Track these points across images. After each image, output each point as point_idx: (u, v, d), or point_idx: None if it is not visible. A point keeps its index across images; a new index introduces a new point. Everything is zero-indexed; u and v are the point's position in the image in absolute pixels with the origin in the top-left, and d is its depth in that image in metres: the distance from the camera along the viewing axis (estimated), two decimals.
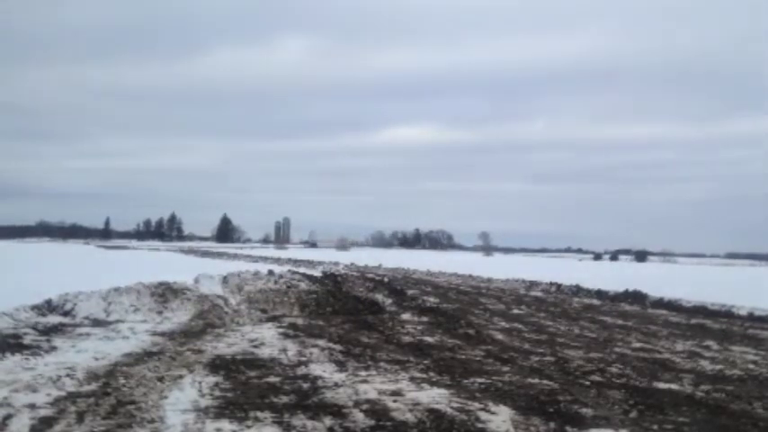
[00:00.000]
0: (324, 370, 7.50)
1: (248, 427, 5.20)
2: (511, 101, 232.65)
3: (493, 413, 5.71)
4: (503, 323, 13.04)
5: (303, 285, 17.51)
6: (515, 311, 15.74)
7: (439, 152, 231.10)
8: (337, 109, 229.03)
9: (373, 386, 6.63)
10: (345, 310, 14.28)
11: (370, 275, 28.58)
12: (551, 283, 25.94)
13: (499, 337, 10.93)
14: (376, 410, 5.71)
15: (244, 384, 6.71)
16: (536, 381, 7.25)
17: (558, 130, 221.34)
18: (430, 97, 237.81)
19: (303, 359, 8.20)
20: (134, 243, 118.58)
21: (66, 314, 12.10)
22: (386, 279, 25.55)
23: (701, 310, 17.00)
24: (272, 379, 6.98)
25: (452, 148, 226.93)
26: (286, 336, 10.31)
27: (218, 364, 7.72)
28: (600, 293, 22.00)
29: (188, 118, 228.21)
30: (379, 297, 17.54)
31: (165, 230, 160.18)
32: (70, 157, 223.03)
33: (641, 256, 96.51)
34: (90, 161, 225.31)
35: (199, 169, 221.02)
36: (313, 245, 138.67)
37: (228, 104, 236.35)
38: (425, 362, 8.23)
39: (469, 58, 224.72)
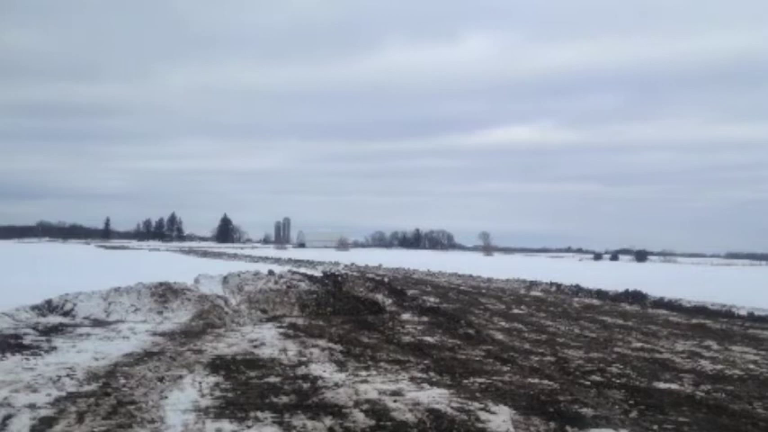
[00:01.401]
0: (324, 370, 7.50)
1: (248, 427, 5.20)
2: (643, 99, 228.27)
3: (493, 413, 5.71)
4: (503, 323, 13.04)
5: (303, 285, 17.49)
6: (515, 311, 15.75)
7: (522, 152, 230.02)
8: (467, 108, 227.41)
9: (373, 386, 6.63)
10: (346, 310, 14.27)
11: (371, 275, 28.57)
12: (551, 283, 25.95)
13: (499, 336, 10.93)
14: (376, 410, 5.71)
15: (244, 384, 6.71)
16: (536, 381, 7.25)
17: (674, 130, 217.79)
18: (565, 95, 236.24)
19: (303, 359, 8.20)
20: (134, 243, 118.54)
21: (66, 314, 12.10)
22: (386, 279, 25.54)
23: (701, 310, 17.02)
24: (273, 379, 6.98)
25: (541, 149, 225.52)
26: (286, 336, 10.31)
27: (218, 365, 7.72)
28: (600, 293, 22.01)
29: (287, 119, 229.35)
30: (380, 297, 17.53)
31: (165, 231, 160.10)
32: (140, 158, 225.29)
33: (641, 256, 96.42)
34: (154, 162, 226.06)
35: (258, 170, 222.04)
36: (301, 245, 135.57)
37: (347, 105, 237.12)
38: (425, 362, 8.23)
39: (617, 57, 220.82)
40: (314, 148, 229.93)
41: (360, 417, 5.53)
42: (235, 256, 56.10)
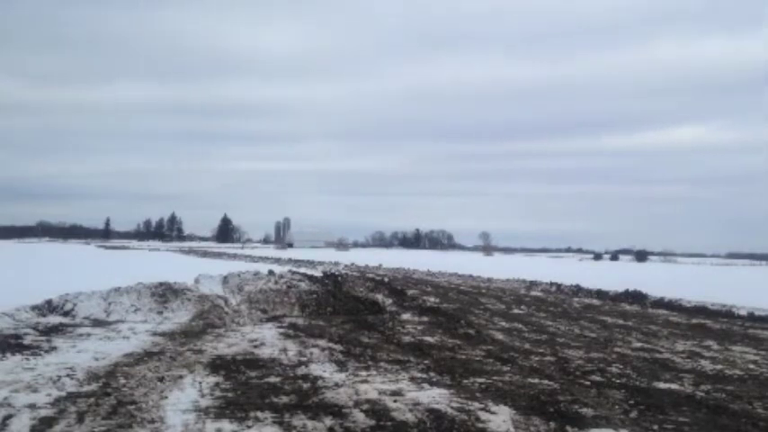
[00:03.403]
0: (324, 370, 7.50)
1: (248, 427, 5.20)
2: None
3: (493, 413, 5.71)
4: (503, 323, 13.04)
5: (303, 285, 17.49)
6: (515, 311, 15.74)
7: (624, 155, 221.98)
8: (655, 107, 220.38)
9: (373, 386, 6.63)
10: (346, 310, 14.28)
11: (371, 275, 28.56)
12: (551, 283, 25.96)
13: (499, 336, 10.93)
14: (376, 410, 5.71)
15: (244, 384, 6.71)
16: (536, 381, 7.25)
17: None
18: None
19: (303, 359, 8.20)
20: (134, 243, 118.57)
21: (66, 314, 12.11)
22: (386, 279, 25.53)
23: (701, 310, 17.01)
24: (273, 379, 6.98)
25: (642, 150, 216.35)
26: (286, 336, 10.31)
27: (218, 365, 7.72)
28: (600, 293, 22.00)
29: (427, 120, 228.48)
30: (380, 297, 17.53)
31: (165, 231, 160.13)
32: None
33: (641, 256, 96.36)
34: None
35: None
36: (290, 245, 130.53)
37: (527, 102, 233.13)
38: (426, 362, 8.23)
39: None
40: (430, 149, 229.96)
41: (360, 417, 5.53)
42: (235, 257, 56.11)
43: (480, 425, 5.38)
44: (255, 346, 9.14)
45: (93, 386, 6.43)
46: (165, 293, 13.99)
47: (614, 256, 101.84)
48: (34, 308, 12.00)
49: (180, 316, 12.54)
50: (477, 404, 6.00)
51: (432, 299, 17.62)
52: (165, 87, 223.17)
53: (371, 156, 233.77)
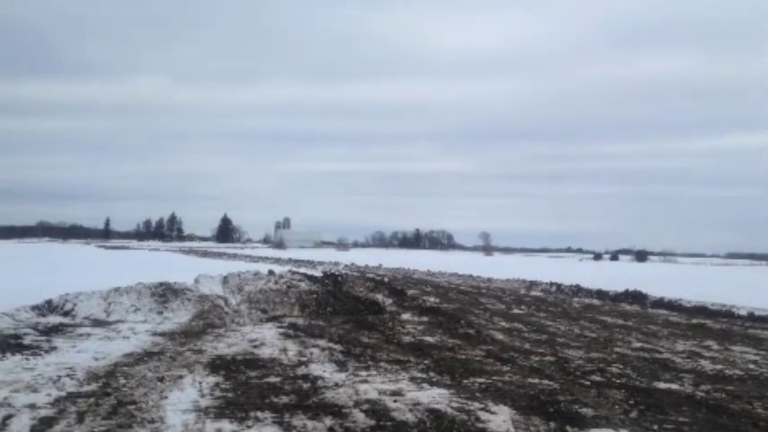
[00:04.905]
0: (324, 370, 7.50)
1: (248, 427, 5.20)
2: None
3: (493, 413, 5.71)
4: (503, 323, 13.04)
5: (303, 285, 17.49)
6: (515, 311, 15.74)
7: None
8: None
9: (373, 386, 6.63)
10: (346, 310, 14.28)
11: (371, 275, 28.54)
12: (551, 283, 25.96)
13: (499, 336, 10.93)
14: (376, 410, 5.71)
15: (244, 384, 6.71)
16: (536, 381, 7.25)
17: None
18: None
19: (303, 359, 8.20)
20: (134, 243, 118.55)
21: (66, 314, 12.11)
22: (386, 279, 25.52)
23: (701, 310, 17.01)
24: (273, 379, 6.98)
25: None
26: (286, 336, 10.31)
27: (218, 365, 7.72)
28: (600, 293, 22.00)
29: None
30: (380, 297, 17.53)
31: (165, 231, 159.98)
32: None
33: (641, 256, 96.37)
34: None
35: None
36: (280, 245, 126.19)
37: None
38: (426, 362, 8.23)
39: None
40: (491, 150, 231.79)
41: (360, 417, 5.53)
42: (235, 257, 56.12)
43: (480, 425, 5.38)
44: (255, 346, 9.14)
45: (93, 386, 6.43)
46: (165, 293, 13.99)
47: (614, 256, 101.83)
48: (34, 308, 12.00)
49: (180, 316, 12.54)
50: (477, 404, 6.00)
51: (432, 299, 17.61)
52: (297, 87, 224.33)
53: (411, 157, 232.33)
